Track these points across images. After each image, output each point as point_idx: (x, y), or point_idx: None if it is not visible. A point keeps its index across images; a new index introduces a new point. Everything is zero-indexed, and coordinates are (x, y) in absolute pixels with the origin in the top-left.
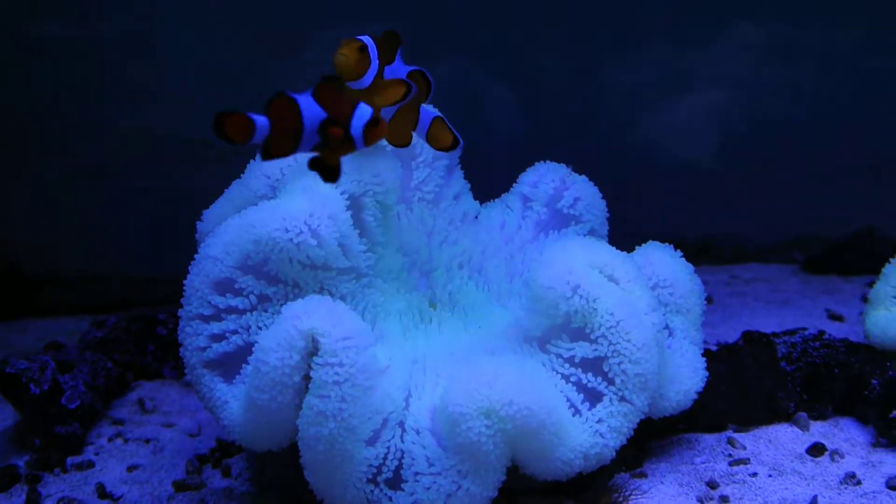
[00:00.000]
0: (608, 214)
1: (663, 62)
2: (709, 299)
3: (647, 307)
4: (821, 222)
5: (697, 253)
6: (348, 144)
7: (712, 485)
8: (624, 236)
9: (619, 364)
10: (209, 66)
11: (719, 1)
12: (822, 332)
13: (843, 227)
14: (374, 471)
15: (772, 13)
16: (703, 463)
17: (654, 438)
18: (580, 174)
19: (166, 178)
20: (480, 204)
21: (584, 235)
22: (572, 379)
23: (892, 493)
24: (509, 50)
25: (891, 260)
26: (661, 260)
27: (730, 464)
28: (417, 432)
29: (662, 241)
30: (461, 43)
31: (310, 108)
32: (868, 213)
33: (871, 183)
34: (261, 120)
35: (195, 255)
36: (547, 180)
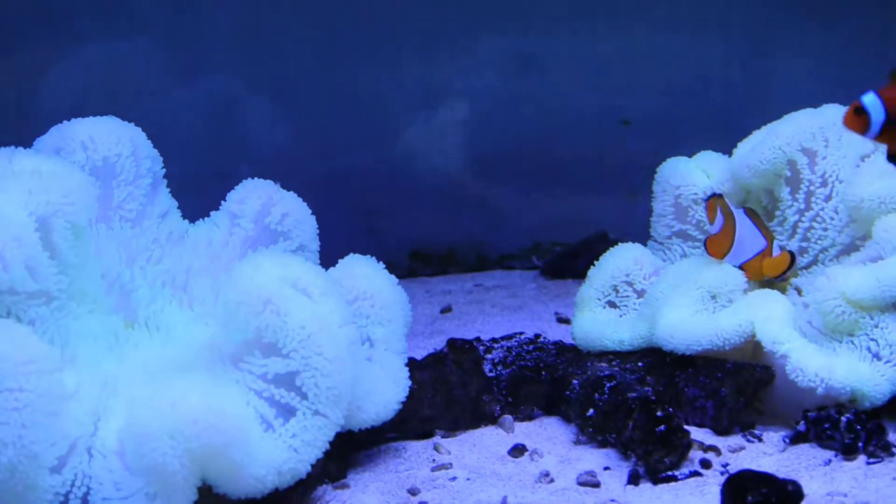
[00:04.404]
0: (326, 229)
1: (415, 76)
2: (448, 308)
3: (341, 320)
4: (561, 228)
5: (444, 261)
6: None
7: (413, 491)
8: (376, 248)
9: (312, 378)
10: None
11: (466, 16)
12: (538, 336)
13: (582, 233)
14: (62, 498)
15: (518, 27)
16: (407, 470)
17: (362, 448)
18: (336, 189)
19: None
20: None
21: (293, 251)
22: (265, 394)
23: (580, 488)
24: (268, 64)
25: (595, 263)
26: (362, 272)
27: (432, 469)
28: (105, 456)
29: (413, 250)
30: (221, 57)
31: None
32: (603, 219)
33: (606, 190)
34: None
35: None
36: (254, 197)
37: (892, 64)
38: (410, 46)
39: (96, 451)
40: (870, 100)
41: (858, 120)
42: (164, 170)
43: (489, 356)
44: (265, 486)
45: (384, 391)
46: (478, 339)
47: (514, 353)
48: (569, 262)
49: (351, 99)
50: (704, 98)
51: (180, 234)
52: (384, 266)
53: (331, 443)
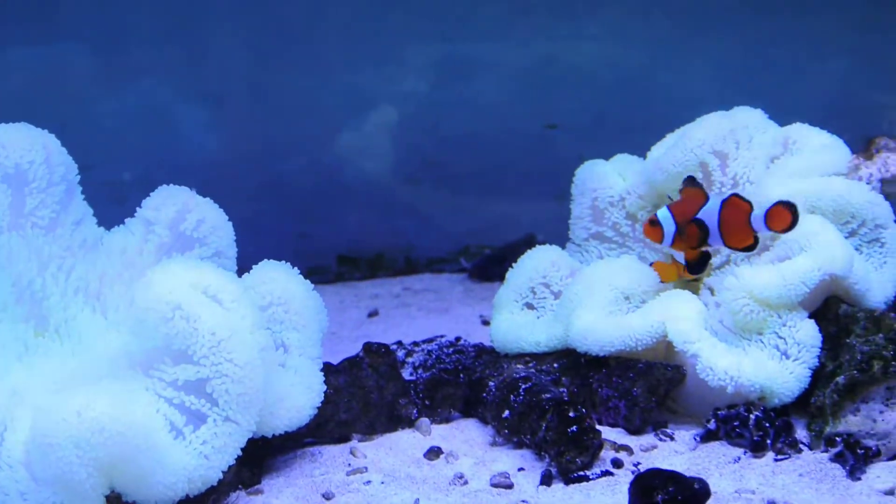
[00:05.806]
0: (230, 236)
1: (344, 82)
2: (375, 312)
3: (252, 326)
4: (490, 232)
5: (373, 265)
6: None
7: (327, 496)
8: (305, 253)
9: (222, 384)
10: None
11: (394, 23)
12: (458, 339)
13: (511, 236)
14: None
15: (445, 33)
16: (322, 475)
17: (278, 454)
18: (265, 194)
19: None
20: None
21: (209, 258)
22: (175, 402)
23: (493, 490)
24: (196, 70)
25: (513, 265)
26: (275, 278)
27: (348, 474)
28: (11, 467)
29: (342, 255)
30: (149, 63)
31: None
32: (531, 222)
33: (534, 194)
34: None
35: None
36: (168, 203)
37: (803, 65)
38: (338, 52)
39: (2, 461)
40: (662, 213)
41: (653, 231)
42: (79, 176)
43: (410, 360)
44: (175, 494)
45: (298, 397)
46: (399, 342)
47: (434, 356)
48: (496, 265)
49: (280, 105)
50: (628, 102)
51: (95, 242)
52: (300, 271)
53: (244, 448)
